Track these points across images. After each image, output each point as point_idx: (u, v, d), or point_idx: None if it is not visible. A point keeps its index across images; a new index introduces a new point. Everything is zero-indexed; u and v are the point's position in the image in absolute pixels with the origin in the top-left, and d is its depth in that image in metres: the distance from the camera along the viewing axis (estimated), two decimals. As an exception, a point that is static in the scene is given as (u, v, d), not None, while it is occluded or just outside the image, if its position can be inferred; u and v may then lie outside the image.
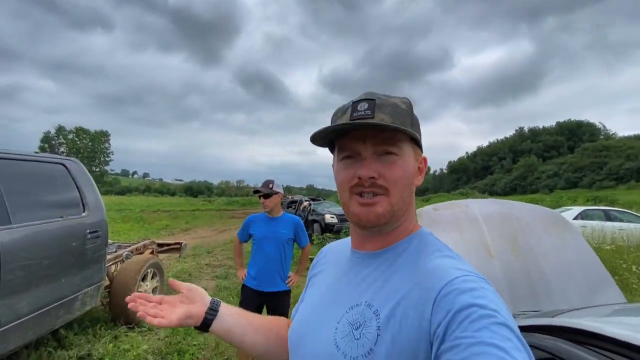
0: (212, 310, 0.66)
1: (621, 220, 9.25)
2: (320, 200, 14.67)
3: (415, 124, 0.62)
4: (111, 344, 3.01)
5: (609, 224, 8.74)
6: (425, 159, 0.65)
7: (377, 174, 0.57)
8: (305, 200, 13.04)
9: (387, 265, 0.59)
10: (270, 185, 2.49)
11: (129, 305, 0.64)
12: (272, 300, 2.48)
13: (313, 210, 11.94)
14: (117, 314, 3.46)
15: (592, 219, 9.42)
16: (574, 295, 2.02)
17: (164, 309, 0.63)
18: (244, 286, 2.54)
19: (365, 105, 0.58)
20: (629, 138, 77.28)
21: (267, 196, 2.46)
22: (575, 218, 9.16)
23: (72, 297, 2.69)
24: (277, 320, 0.78)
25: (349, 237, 0.71)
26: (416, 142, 0.62)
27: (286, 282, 2.53)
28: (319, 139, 0.62)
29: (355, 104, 0.59)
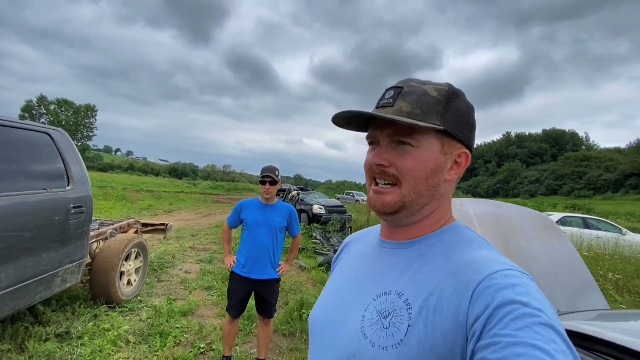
0: None
1: (598, 229, 9.59)
2: (309, 190, 14.66)
3: (454, 113, 0.57)
4: (91, 323, 2.93)
5: (587, 231, 9.06)
6: (465, 153, 0.58)
7: (387, 163, 0.56)
8: (294, 190, 12.99)
9: (418, 255, 0.56)
10: (277, 173, 2.51)
11: None
12: (262, 288, 2.45)
13: (301, 200, 11.91)
14: (98, 293, 3.36)
15: (571, 225, 9.74)
16: (561, 299, 2.06)
17: None
18: (232, 273, 2.49)
19: (391, 92, 0.57)
20: (609, 150, 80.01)
21: (274, 183, 2.46)
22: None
23: (52, 273, 2.58)
24: None
25: (376, 226, 0.70)
26: (451, 135, 0.56)
27: (277, 270, 2.50)
28: (342, 124, 0.62)
29: (387, 91, 0.59)
